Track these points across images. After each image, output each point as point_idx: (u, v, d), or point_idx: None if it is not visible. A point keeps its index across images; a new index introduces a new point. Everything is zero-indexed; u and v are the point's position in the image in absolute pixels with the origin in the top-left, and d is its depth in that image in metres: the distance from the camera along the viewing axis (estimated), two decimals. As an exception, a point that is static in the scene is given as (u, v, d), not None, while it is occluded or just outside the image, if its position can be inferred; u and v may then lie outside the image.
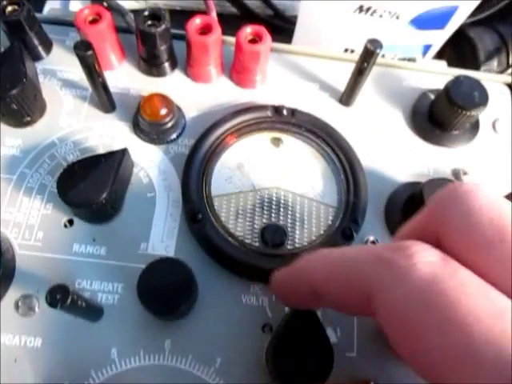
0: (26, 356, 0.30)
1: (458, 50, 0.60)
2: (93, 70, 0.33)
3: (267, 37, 0.37)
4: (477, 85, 0.37)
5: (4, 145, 0.37)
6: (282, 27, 0.56)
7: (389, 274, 0.20)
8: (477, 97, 0.37)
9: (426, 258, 0.19)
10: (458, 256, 0.19)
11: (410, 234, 0.23)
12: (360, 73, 0.37)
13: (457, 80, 0.38)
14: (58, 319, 0.31)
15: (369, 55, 0.35)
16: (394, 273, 0.19)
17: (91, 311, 0.30)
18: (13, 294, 0.32)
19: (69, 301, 0.25)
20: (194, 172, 0.35)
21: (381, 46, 0.34)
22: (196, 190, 0.34)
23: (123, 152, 0.33)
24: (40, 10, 0.53)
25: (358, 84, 0.38)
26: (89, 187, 0.31)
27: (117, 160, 0.33)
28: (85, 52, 0.31)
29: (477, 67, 0.56)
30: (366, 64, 0.35)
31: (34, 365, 0.30)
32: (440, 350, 0.17)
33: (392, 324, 0.20)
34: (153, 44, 0.37)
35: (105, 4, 0.43)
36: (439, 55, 0.56)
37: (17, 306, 0.31)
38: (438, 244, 0.20)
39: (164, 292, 0.29)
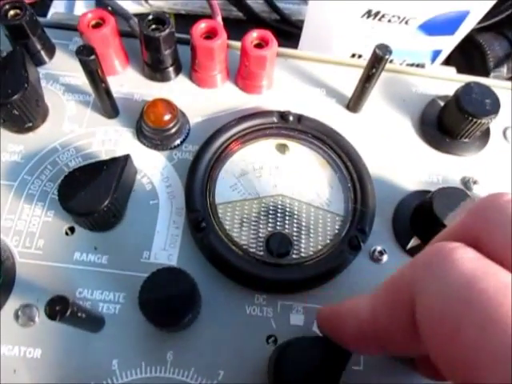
0: (25, 367, 0.30)
1: (467, 56, 0.59)
2: (95, 75, 0.33)
3: (273, 41, 0.36)
4: (488, 92, 0.37)
5: (5, 151, 0.36)
6: (289, 32, 0.56)
7: (429, 273, 0.20)
8: (488, 104, 0.36)
9: (466, 255, 0.19)
10: (498, 262, 0.19)
11: (445, 239, 0.23)
12: (368, 79, 0.36)
13: (467, 87, 0.37)
14: (58, 330, 0.30)
15: (377, 61, 0.34)
16: (433, 271, 0.19)
17: (92, 322, 0.29)
18: (13, 303, 0.31)
19: (68, 313, 0.24)
20: (198, 179, 0.34)
21: (390, 52, 0.33)
22: (200, 198, 0.33)
23: (126, 158, 0.33)
24: (44, 15, 0.53)
25: (366, 90, 0.37)
26: (90, 195, 0.30)
27: (119, 167, 0.32)
28: (87, 57, 0.31)
29: (486, 73, 0.55)
30: (374, 70, 0.35)
31: (33, 376, 0.29)
32: (479, 350, 0.17)
33: (431, 323, 0.19)
34: (157, 48, 0.36)
35: (109, 8, 0.42)
36: (447, 61, 0.55)
37: (17, 316, 0.31)
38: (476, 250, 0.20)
39: (166, 303, 0.28)
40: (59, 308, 0.24)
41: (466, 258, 0.19)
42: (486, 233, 0.20)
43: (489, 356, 0.16)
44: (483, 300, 0.17)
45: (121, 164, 0.32)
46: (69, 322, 0.26)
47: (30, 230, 0.33)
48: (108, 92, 0.35)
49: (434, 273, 0.19)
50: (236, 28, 0.41)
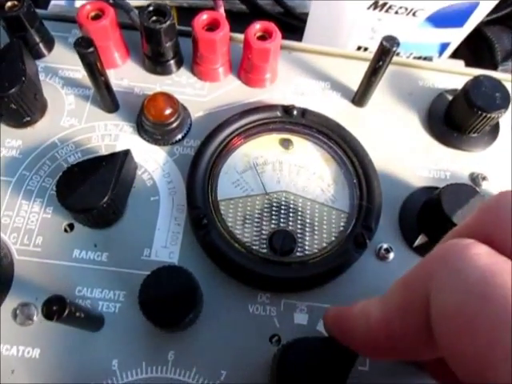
0: (24, 367, 0.29)
1: (474, 50, 0.58)
2: (94, 68, 0.32)
3: (277, 33, 0.35)
4: (498, 85, 0.36)
5: (3, 146, 0.35)
6: (293, 25, 0.55)
7: (444, 269, 0.19)
8: (498, 98, 0.35)
9: (481, 251, 0.19)
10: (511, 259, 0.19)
11: (457, 237, 0.22)
12: (374, 72, 0.35)
13: (476, 80, 0.36)
14: (56, 329, 0.30)
15: (384, 53, 0.33)
16: (449, 267, 0.19)
17: (91, 321, 0.28)
18: (11, 302, 0.30)
19: (66, 313, 0.23)
20: (200, 175, 0.33)
21: (398, 44, 0.32)
22: (201, 194, 0.33)
23: (125, 153, 0.32)
24: (46, 8, 0.52)
25: (372, 84, 0.36)
26: (89, 191, 0.29)
27: (119, 162, 0.31)
28: (86, 49, 0.30)
29: (494, 67, 0.54)
30: (381, 62, 0.34)
31: (32, 376, 0.29)
32: (494, 347, 0.16)
33: (446, 320, 0.19)
34: (157, 41, 0.35)
35: (109, 0, 0.41)
36: (454, 55, 0.54)
37: (15, 315, 0.30)
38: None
39: (167, 303, 0.27)
40: (56, 308, 0.23)
41: (482, 253, 0.19)
42: (499, 230, 0.20)
43: (504, 354, 0.16)
44: (500, 295, 0.17)
45: (120, 159, 0.31)
46: (67, 322, 0.25)
47: (29, 226, 0.33)
48: (107, 85, 0.34)
49: (450, 269, 0.19)
50: (239, 21, 0.40)
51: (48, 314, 0.23)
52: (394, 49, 0.32)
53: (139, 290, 0.27)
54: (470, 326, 0.17)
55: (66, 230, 0.33)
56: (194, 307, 0.27)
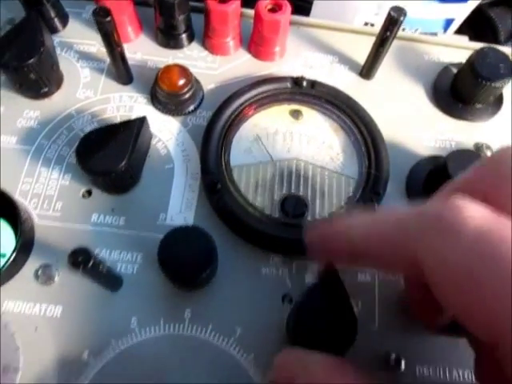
0: (47, 325, 0.30)
1: (477, 31, 0.59)
2: (111, 38, 0.33)
3: (287, 6, 0.36)
4: (502, 56, 0.36)
5: (22, 116, 0.36)
6: (299, 5, 0.55)
7: (439, 229, 0.19)
8: (502, 68, 0.36)
9: (477, 210, 0.19)
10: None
11: (451, 193, 0.22)
12: (382, 43, 0.36)
13: (481, 51, 0.37)
14: (77, 288, 0.31)
15: (392, 23, 0.34)
16: (444, 228, 0.19)
17: (111, 279, 0.30)
18: (33, 263, 0.32)
19: (90, 263, 0.25)
20: (213, 142, 0.34)
21: (405, 14, 0.33)
22: (215, 161, 0.34)
23: (142, 120, 0.33)
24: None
25: (380, 55, 0.37)
26: (108, 155, 0.31)
27: (135, 128, 0.32)
28: (104, 18, 0.31)
29: (497, 46, 0.55)
30: (388, 33, 0.35)
31: (54, 333, 0.30)
32: (498, 300, 0.17)
33: (443, 280, 0.19)
34: (171, 13, 0.36)
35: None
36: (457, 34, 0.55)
37: (36, 276, 0.31)
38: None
39: (185, 259, 0.28)
40: (82, 258, 0.24)
41: (478, 211, 0.19)
42: (496, 187, 0.20)
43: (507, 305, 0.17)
44: (498, 252, 0.17)
45: (137, 125, 0.32)
46: (90, 274, 0.26)
47: (48, 192, 0.34)
48: (123, 56, 0.35)
49: (447, 231, 0.19)
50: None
51: (74, 263, 0.24)
52: (402, 19, 0.33)
53: (158, 245, 0.28)
54: (471, 284, 0.18)
55: (84, 196, 0.34)
56: (210, 263, 0.28)
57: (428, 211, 0.20)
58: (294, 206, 0.33)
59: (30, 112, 0.37)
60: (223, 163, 0.34)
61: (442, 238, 0.19)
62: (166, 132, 0.36)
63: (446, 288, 0.19)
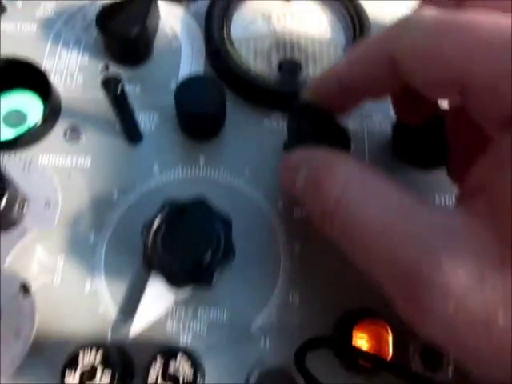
0: (78, 173, 0.34)
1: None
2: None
3: None
4: None
5: (40, 6, 0.40)
6: None
7: (407, 25, 0.23)
8: None
9: (431, 12, 0.23)
10: None
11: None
12: None
13: None
14: (103, 143, 0.35)
15: None
16: (410, 22, 0.23)
17: (133, 123, 0.34)
18: (61, 126, 0.36)
19: (120, 87, 0.29)
20: (216, 18, 0.38)
21: None
22: (218, 33, 0.38)
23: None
24: None
25: None
26: (125, 20, 0.35)
27: (147, 2, 0.36)
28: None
29: None
30: None
31: (86, 178, 0.34)
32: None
33: (415, 63, 0.23)
34: None
35: None
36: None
37: (65, 134, 0.35)
38: None
39: (199, 104, 0.32)
40: (115, 83, 0.29)
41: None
42: None
43: None
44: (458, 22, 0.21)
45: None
46: (119, 103, 0.30)
47: (70, 69, 0.38)
48: None
49: (412, 21, 0.23)
50: None
51: (106, 83, 0.28)
52: None
53: (175, 92, 0.32)
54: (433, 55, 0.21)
55: (102, 71, 0.38)
56: (223, 108, 0.33)
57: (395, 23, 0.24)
58: (290, 68, 0.38)
59: (46, 3, 0.40)
60: (225, 35, 0.38)
61: (409, 30, 0.23)
62: (172, 17, 0.41)
63: (418, 70, 0.23)
